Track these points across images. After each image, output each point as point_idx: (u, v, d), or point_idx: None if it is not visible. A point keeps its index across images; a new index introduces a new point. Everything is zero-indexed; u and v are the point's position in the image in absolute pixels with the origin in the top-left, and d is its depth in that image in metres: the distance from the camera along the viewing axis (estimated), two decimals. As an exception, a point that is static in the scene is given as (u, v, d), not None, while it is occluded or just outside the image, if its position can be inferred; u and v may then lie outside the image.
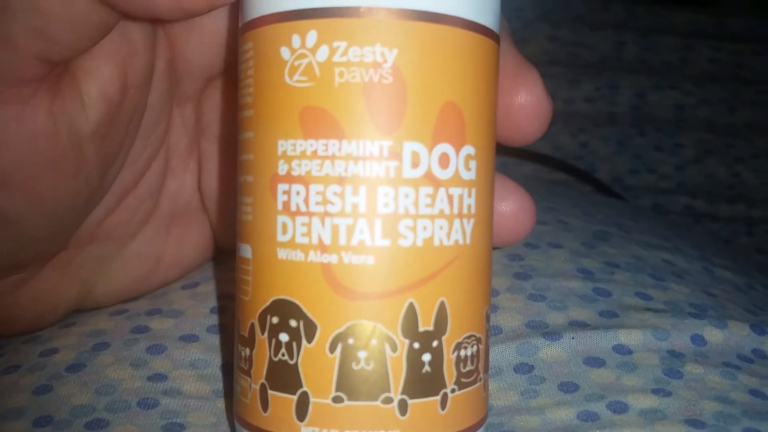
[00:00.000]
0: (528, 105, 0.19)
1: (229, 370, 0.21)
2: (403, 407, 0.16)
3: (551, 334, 0.21)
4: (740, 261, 0.33)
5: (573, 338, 0.21)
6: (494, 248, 0.22)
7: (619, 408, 0.19)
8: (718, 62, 0.57)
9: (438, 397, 0.16)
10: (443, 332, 0.16)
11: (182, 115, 0.23)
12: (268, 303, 0.16)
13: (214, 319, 0.22)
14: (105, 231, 0.22)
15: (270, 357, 0.16)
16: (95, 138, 0.19)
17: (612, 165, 0.51)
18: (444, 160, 0.16)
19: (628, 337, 0.21)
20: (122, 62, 0.19)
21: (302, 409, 0.16)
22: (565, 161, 0.50)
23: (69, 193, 0.19)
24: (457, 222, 0.16)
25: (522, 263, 0.25)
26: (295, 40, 0.16)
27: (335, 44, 0.16)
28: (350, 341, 0.16)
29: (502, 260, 0.25)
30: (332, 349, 0.16)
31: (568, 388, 0.20)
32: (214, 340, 0.22)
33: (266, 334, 0.16)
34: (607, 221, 0.31)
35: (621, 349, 0.21)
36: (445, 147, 0.16)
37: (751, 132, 0.53)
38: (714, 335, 0.22)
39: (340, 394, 0.16)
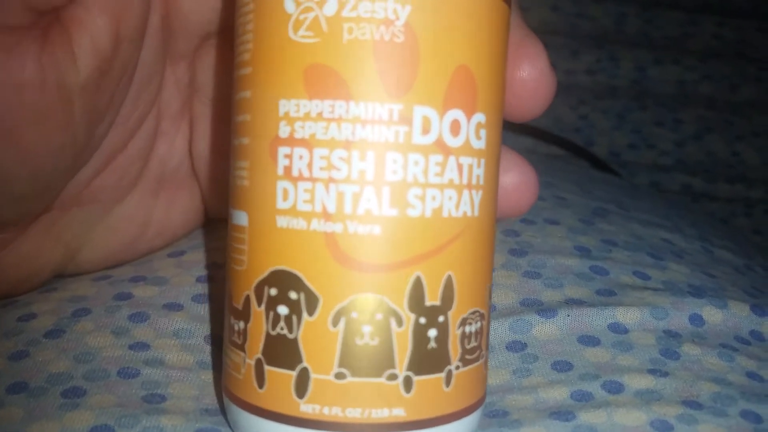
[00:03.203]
0: (530, 79, 0.18)
1: (215, 341, 0.20)
2: (407, 384, 0.15)
3: (545, 311, 0.21)
4: (739, 242, 0.32)
5: (568, 316, 0.21)
6: None
7: (615, 388, 0.19)
8: (722, 38, 0.56)
9: (443, 374, 0.16)
10: (449, 307, 0.16)
11: (175, 74, 0.22)
12: (265, 273, 0.15)
13: (200, 288, 0.22)
14: (91, 193, 0.21)
15: (267, 331, 0.15)
16: (85, 92, 0.18)
17: (611, 139, 0.51)
18: (455, 128, 0.15)
19: (625, 316, 0.21)
20: (115, 14, 0.18)
21: (302, 385, 0.15)
22: (562, 135, 0.49)
23: (56, 149, 0.18)
24: (466, 193, 0.16)
25: (518, 239, 0.24)
26: None
27: None
28: (354, 315, 0.15)
29: (498, 235, 0.24)
30: (335, 323, 0.15)
31: (562, 367, 0.19)
32: (200, 309, 0.21)
33: (263, 306, 0.15)
34: (605, 198, 0.30)
35: (617, 328, 0.21)
36: (457, 113, 0.15)
37: (752, 110, 0.52)
38: (713, 315, 0.22)
39: (343, 370, 0.15)
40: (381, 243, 0.15)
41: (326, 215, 0.15)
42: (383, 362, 0.15)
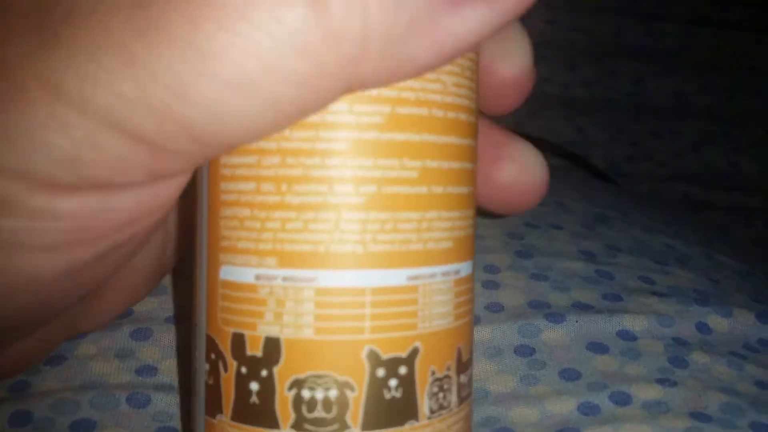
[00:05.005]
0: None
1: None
2: None
3: (554, 315, 0.20)
4: (738, 249, 0.32)
5: (576, 322, 0.20)
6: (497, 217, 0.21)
7: (622, 399, 0.18)
8: (719, 50, 0.56)
9: None
10: None
11: None
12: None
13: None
14: None
15: None
16: None
17: (608, 151, 0.50)
18: None
19: (633, 323, 0.20)
20: None
21: None
22: (560, 144, 0.49)
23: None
24: None
25: (522, 242, 0.24)
26: None
27: None
28: None
29: (503, 237, 0.24)
30: None
31: (570, 375, 0.19)
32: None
33: None
34: (605, 204, 0.30)
35: (625, 335, 0.20)
36: None
37: (749, 121, 0.52)
38: (719, 323, 0.21)
39: None
40: None
41: None
42: None
